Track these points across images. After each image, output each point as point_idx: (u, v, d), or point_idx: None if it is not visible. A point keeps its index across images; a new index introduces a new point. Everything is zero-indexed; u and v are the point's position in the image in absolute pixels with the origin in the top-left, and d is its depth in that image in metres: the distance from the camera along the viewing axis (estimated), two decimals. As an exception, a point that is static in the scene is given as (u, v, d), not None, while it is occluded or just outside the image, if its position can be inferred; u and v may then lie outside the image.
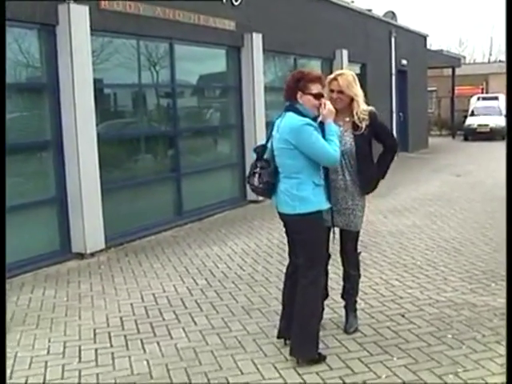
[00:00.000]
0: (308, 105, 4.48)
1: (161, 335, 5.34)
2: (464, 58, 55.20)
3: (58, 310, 6.11)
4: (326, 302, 5.38)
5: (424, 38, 23.46)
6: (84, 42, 7.87)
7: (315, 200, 4.46)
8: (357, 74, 16.16)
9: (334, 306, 5.64)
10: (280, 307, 5.02)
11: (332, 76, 4.89)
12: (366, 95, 16.29)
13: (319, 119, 4.58)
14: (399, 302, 5.94)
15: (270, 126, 4.77)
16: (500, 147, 23.48)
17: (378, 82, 18.34)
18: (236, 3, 11.14)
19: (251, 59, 11.48)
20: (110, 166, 8.91)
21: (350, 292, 5.23)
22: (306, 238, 4.54)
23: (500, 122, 27.63)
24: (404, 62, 20.52)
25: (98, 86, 8.46)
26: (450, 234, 8.75)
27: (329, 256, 5.17)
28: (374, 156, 5.08)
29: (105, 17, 8.37)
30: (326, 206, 4.58)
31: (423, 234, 8.80)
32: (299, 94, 4.48)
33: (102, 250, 8.32)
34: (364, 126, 4.85)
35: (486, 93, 35.93)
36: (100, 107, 8.44)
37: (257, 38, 11.58)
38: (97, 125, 8.21)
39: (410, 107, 21.51)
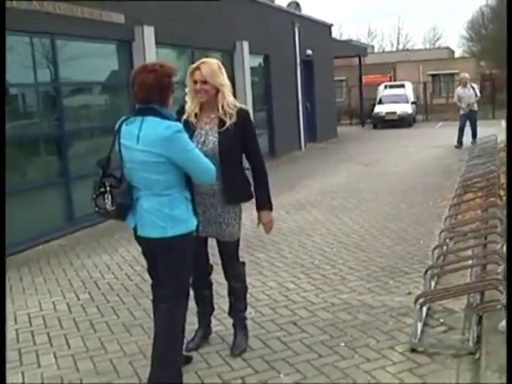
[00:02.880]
0: (169, 104, 3.91)
1: (28, 363, 4.80)
2: (373, 47, 56.32)
3: None
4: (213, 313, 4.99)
5: (329, 27, 23.42)
6: None
7: (188, 219, 3.88)
8: (260, 66, 15.71)
9: (221, 317, 5.19)
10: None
11: (194, 65, 4.33)
12: (270, 87, 15.95)
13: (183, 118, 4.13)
14: (292, 307, 5.56)
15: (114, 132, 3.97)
16: (408, 134, 23.80)
17: (283, 73, 18.10)
18: (124, -6, 10.56)
19: (143, 53, 10.92)
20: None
21: (236, 307, 4.73)
22: (174, 262, 3.88)
23: (407, 109, 28.04)
24: (309, 52, 20.32)
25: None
26: (352, 228, 8.49)
27: (211, 267, 4.74)
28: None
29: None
30: (195, 223, 3.99)
31: (324, 230, 8.50)
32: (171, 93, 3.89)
33: (-20, 266, 7.63)
34: (230, 122, 4.33)
35: (394, 81, 36.41)
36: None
37: (148, 31, 11.03)
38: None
39: (317, 97, 21.36)
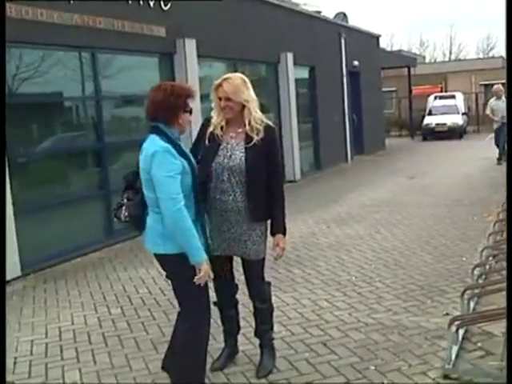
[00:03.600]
0: (185, 125, 3.92)
1: (53, 378, 4.77)
2: (424, 57, 55.59)
3: None
4: (241, 331, 4.87)
5: (376, 38, 23.12)
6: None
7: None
8: (305, 78, 15.48)
9: (250, 336, 5.02)
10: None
11: (218, 81, 4.24)
12: (315, 98, 15.77)
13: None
14: (324, 327, 5.40)
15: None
16: (457, 146, 23.31)
17: (329, 85, 17.92)
18: (166, 8, 10.58)
19: (184, 66, 10.92)
20: (28, 186, 8.32)
21: (262, 328, 4.58)
22: (178, 280, 3.93)
23: (458, 120, 27.50)
24: (356, 63, 20.09)
25: (15, 101, 7.88)
26: (393, 244, 8.26)
27: (236, 287, 4.62)
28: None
29: (12, 26, 7.71)
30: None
31: (364, 245, 8.30)
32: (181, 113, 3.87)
33: (18, 278, 7.70)
34: (257, 138, 4.21)
35: (445, 92, 35.78)
36: (14, 123, 7.83)
37: (190, 44, 11.03)
38: (9, 144, 7.60)
39: (364, 109, 21.10)
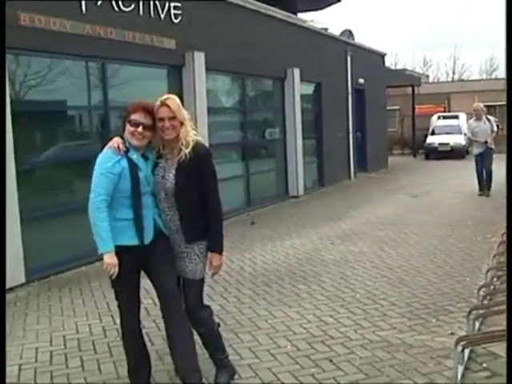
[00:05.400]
0: (128, 135, 4.15)
1: (58, 388, 4.76)
2: (427, 77, 55.79)
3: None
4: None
5: (382, 56, 23.23)
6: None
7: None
8: (311, 94, 15.54)
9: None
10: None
11: (158, 103, 4.18)
12: (320, 115, 15.80)
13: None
14: (329, 343, 5.40)
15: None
16: (459, 166, 23.33)
17: (334, 102, 17.99)
18: (176, 21, 10.65)
19: (193, 79, 10.98)
20: (33, 194, 8.33)
21: (211, 352, 4.61)
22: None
23: (460, 140, 27.55)
24: (361, 80, 20.20)
25: (20, 108, 7.90)
26: (397, 262, 8.27)
27: None
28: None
29: (24, 34, 7.78)
30: (125, 241, 4.13)
31: (368, 263, 8.31)
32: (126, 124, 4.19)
33: (22, 285, 7.71)
34: (187, 157, 4.19)
35: (448, 111, 35.90)
36: (22, 132, 7.87)
37: (199, 57, 11.10)
38: (16, 151, 7.63)
39: (368, 126, 21.18)
